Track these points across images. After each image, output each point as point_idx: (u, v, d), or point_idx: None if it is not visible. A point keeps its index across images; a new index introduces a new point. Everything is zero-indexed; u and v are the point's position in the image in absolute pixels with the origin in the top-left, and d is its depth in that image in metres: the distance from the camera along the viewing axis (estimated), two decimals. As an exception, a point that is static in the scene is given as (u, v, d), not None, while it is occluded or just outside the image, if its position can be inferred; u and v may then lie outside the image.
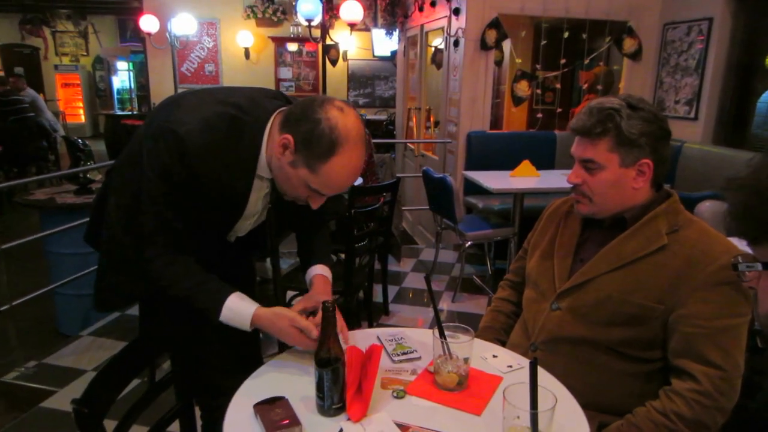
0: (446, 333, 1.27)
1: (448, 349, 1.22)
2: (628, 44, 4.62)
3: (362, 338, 1.44)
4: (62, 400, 2.49)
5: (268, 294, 2.92)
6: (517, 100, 4.56)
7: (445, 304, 3.70)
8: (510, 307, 1.66)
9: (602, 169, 1.30)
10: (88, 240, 1.55)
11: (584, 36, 4.56)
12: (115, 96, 13.10)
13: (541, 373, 1.29)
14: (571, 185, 1.38)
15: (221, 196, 1.30)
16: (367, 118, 10.14)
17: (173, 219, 1.27)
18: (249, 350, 1.61)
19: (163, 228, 1.27)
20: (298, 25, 8.68)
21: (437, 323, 1.27)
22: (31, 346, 2.97)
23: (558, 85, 4.77)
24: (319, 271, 1.49)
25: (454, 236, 4.06)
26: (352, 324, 3.07)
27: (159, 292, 1.31)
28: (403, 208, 5.42)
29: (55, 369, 2.75)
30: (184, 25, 7.37)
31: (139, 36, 10.89)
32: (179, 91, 7.90)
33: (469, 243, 3.61)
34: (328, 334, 1.10)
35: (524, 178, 3.72)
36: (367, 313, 3.14)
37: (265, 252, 1.65)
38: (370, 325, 2.99)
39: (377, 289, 3.41)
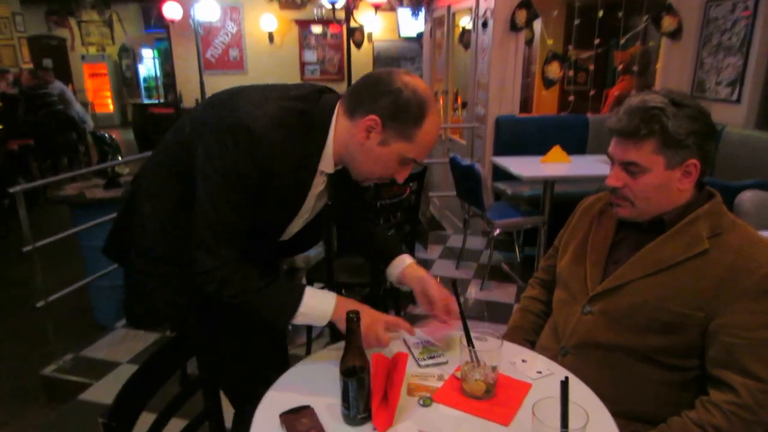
0: (474, 338, 1.25)
1: (476, 356, 1.19)
2: (668, 22, 4.40)
3: (388, 341, 1.42)
4: (98, 392, 2.56)
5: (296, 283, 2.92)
6: (548, 83, 4.43)
7: (472, 292, 3.66)
8: (539, 306, 1.62)
9: (646, 172, 1.23)
10: (108, 253, 1.47)
11: (620, 14, 4.37)
12: (142, 84, 13.28)
13: (572, 380, 1.25)
14: (611, 188, 1.31)
15: (283, 195, 1.25)
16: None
17: (237, 221, 1.20)
18: (277, 349, 1.61)
19: (227, 236, 1.20)
20: (322, 7, 8.59)
21: (465, 330, 1.24)
22: (70, 338, 3.04)
23: (591, 66, 4.61)
24: (410, 260, 1.49)
25: (483, 222, 4.01)
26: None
27: (202, 302, 1.27)
28: (430, 194, 5.36)
29: (91, 361, 2.82)
30: (207, 11, 7.37)
31: (162, 23, 10.94)
32: (205, 77, 7.93)
33: (498, 231, 3.56)
34: (353, 344, 1.08)
35: (555, 164, 3.63)
36: (394, 302, 3.11)
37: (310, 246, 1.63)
38: (397, 314, 2.96)
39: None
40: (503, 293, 3.63)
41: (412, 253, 3.39)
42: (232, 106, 1.19)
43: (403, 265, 1.47)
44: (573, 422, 0.92)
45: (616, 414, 1.27)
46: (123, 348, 2.95)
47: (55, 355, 2.81)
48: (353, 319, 1.07)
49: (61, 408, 2.54)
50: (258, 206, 1.21)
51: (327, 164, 1.26)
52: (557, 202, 3.59)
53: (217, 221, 1.19)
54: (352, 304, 1.26)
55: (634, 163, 1.24)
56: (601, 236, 1.41)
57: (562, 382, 0.90)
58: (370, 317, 1.27)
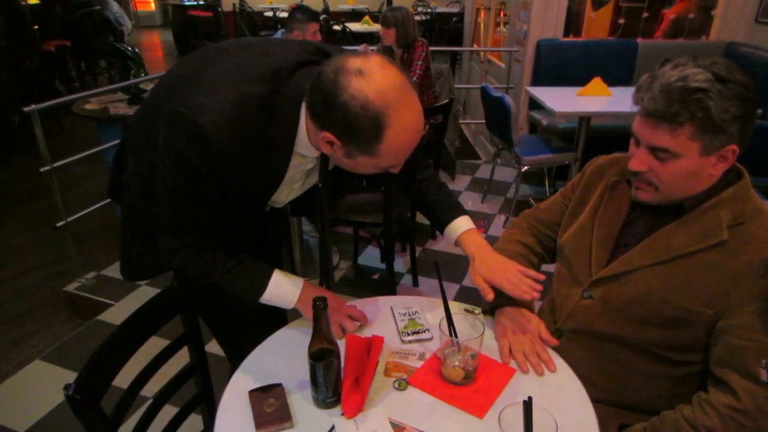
0: (465, 309, 1.24)
1: (457, 343, 1.13)
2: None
3: (375, 308, 1.38)
4: (117, 314, 2.66)
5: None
6: (597, 3, 4.02)
7: (496, 229, 3.56)
8: (519, 248, 1.44)
9: (677, 158, 1.07)
10: (113, 195, 1.42)
11: None
12: (183, -19, 12.82)
13: (562, 366, 1.19)
14: (632, 172, 1.14)
15: (250, 180, 1.14)
16: (437, 11, 9.46)
17: (194, 209, 1.14)
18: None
19: (184, 220, 1.15)
20: None
21: (447, 316, 1.17)
22: (94, 255, 3.14)
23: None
24: (465, 225, 1.34)
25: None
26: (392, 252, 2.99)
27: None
28: (463, 121, 5.12)
29: (112, 281, 2.90)
30: None
31: None
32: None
33: (526, 168, 3.39)
34: (321, 329, 1.03)
35: (593, 97, 3.36)
36: (408, 239, 3.02)
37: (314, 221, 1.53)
38: (413, 252, 2.91)
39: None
40: (527, 231, 3.51)
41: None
42: (188, 93, 1.05)
43: (457, 232, 1.35)
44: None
45: (607, 403, 1.22)
46: (144, 269, 3.02)
47: (77, 273, 2.91)
48: (320, 306, 1.01)
49: (84, 324, 2.66)
50: (221, 189, 1.12)
51: (305, 149, 1.13)
52: (593, 137, 3.38)
53: (173, 207, 1.13)
54: (318, 292, 1.24)
55: (665, 150, 1.07)
56: (612, 213, 1.27)
57: (524, 402, 0.83)
58: (333, 309, 1.24)
